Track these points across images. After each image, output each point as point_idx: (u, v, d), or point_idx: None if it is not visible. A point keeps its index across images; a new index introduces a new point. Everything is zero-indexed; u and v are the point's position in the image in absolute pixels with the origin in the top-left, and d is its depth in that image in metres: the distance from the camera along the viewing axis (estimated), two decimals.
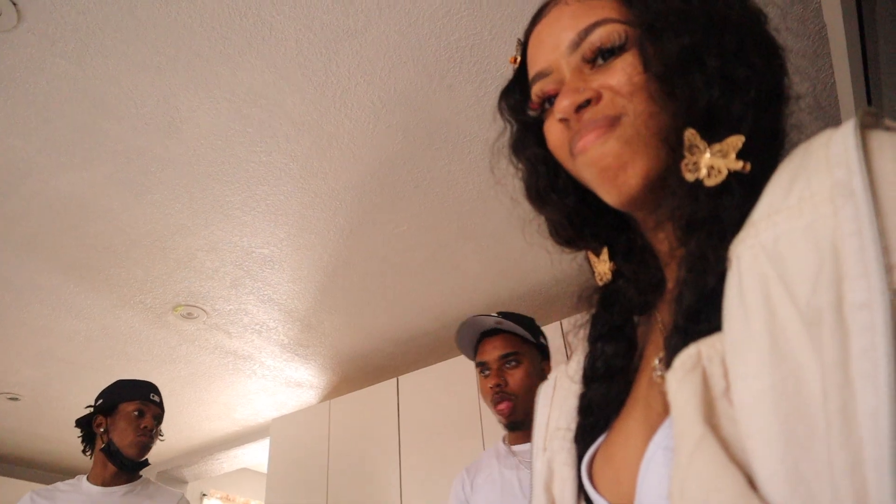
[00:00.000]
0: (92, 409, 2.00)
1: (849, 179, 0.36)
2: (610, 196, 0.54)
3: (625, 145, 0.52)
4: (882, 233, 0.34)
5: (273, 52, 1.79)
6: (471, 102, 2.00)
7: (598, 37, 0.54)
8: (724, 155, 0.48)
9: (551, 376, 0.72)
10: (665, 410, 0.46)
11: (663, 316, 0.56)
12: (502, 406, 1.59)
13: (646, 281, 0.59)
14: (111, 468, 1.92)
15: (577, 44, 0.55)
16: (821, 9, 1.62)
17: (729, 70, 0.50)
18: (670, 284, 0.56)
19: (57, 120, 1.96)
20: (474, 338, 1.72)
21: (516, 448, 1.64)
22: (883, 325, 0.32)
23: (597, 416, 0.59)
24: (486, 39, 1.79)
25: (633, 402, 0.56)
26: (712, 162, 0.49)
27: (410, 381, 3.25)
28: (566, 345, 2.67)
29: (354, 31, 1.74)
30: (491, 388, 1.62)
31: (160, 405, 2.02)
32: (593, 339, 0.62)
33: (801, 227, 0.38)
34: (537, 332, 1.75)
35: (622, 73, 0.53)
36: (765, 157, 0.48)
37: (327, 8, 1.67)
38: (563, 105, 0.54)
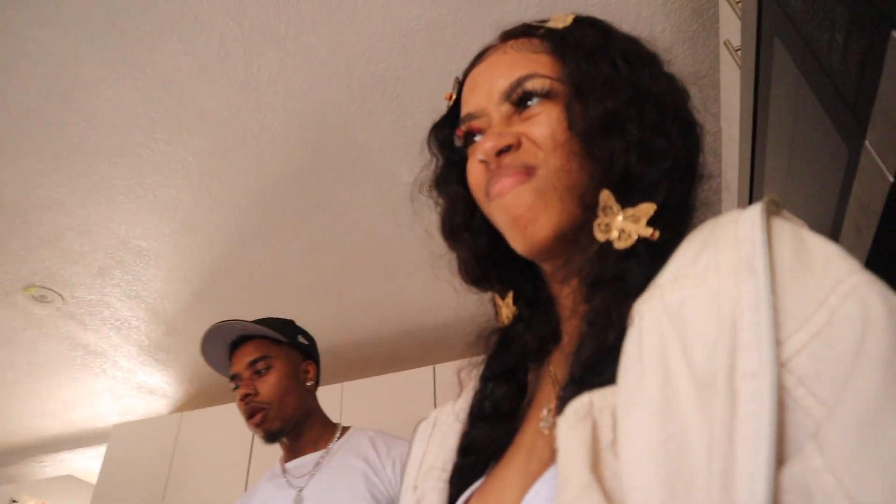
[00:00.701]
0: None
1: (753, 258, 0.39)
2: (518, 244, 0.56)
3: (539, 197, 0.54)
4: (776, 310, 0.37)
5: (194, 41, 1.73)
6: (387, 133, 2.01)
7: (529, 87, 0.57)
8: (636, 220, 0.51)
9: (432, 414, 0.70)
10: (548, 460, 0.47)
11: (556, 368, 0.57)
12: (255, 418, 1.46)
13: (543, 330, 0.60)
14: None
15: (508, 94, 0.58)
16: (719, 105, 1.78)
17: (648, 139, 0.53)
18: (567, 338, 0.58)
19: None
20: (225, 352, 1.58)
21: (289, 465, 1.51)
22: (769, 394, 0.34)
23: (476, 457, 0.58)
24: (414, 75, 1.82)
25: (516, 451, 0.55)
26: (623, 225, 0.51)
27: None
28: (454, 386, 2.68)
29: (284, 37, 1.72)
30: (241, 400, 1.48)
31: None
32: (485, 379, 0.63)
33: (705, 294, 0.40)
34: (294, 332, 1.63)
35: (546, 127, 0.55)
36: (673, 227, 0.51)
37: (260, 7, 1.64)
38: (486, 147, 0.56)
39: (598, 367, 0.45)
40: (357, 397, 2.97)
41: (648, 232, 0.50)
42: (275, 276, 2.69)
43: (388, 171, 2.15)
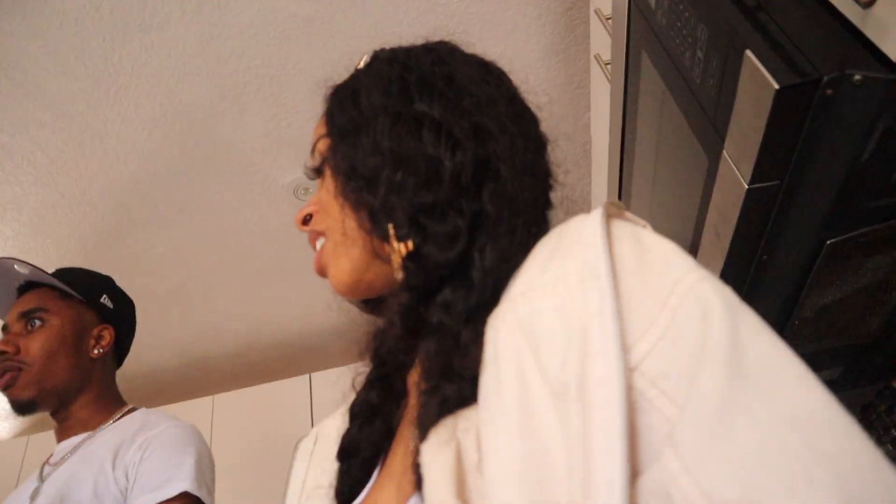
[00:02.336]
0: None
1: (596, 263, 0.39)
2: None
3: (329, 258, 0.57)
4: (622, 313, 0.37)
5: (44, 24, 1.58)
6: (259, 134, 1.93)
7: (316, 153, 0.60)
8: (393, 247, 0.51)
9: (312, 431, 0.69)
10: (418, 484, 0.46)
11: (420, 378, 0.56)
12: (3, 379, 1.19)
13: (396, 346, 0.58)
14: None
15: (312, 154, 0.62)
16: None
17: (366, 167, 0.53)
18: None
19: None
20: (11, 298, 1.32)
21: (56, 448, 1.24)
22: (619, 401, 0.34)
23: (351, 462, 0.58)
24: (289, 74, 1.76)
25: (390, 469, 0.54)
26: (392, 259, 0.51)
27: None
28: (331, 394, 2.61)
29: (149, 27, 1.60)
30: None
31: None
32: (364, 383, 0.63)
33: (555, 304, 0.39)
34: (99, 291, 1.37)
35: (325, 191, 0.58)
36: (428, 227, 0.50)
37: None
38: (296, 218, 0.61)
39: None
40: (229, 410, 2.84)
41: (403, 247, 0.50)
42: (136, 284, 2.50)
43: (260, 172, 2.06)
